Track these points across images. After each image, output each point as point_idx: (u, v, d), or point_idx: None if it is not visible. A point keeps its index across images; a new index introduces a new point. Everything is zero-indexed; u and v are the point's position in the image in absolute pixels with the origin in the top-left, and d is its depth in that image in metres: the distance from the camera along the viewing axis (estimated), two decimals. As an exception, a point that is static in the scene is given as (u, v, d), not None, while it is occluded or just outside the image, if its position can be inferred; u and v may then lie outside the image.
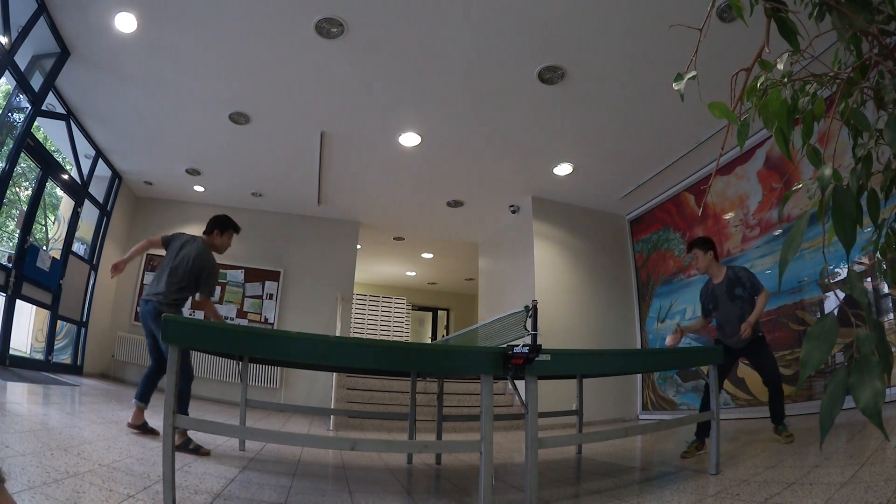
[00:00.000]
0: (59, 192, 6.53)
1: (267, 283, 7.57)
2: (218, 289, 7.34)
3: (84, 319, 6.35)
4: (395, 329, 11.86)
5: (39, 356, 5.69)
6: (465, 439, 2.77)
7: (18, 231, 5.01)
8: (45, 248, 6.04)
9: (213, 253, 3.56)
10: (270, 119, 5.34)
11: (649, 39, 3.89)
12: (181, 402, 3.14)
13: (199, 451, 2.99)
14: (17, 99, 4.40)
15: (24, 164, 6.01)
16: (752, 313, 3.35)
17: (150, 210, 7.53)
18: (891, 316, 3.70)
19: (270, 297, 7.53)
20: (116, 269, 3.43)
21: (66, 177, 5.75)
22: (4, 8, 3.78)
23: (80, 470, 2.06)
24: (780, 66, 1.11)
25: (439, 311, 14.53)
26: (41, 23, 3.96)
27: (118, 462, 2.35)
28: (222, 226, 3.61)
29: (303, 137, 5.64)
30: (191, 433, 3.06)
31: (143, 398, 3.28)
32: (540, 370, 2.12)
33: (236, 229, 3.68)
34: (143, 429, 3.20)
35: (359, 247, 8.49)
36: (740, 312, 3.43)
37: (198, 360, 6.65)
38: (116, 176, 6.81)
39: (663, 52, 3.97)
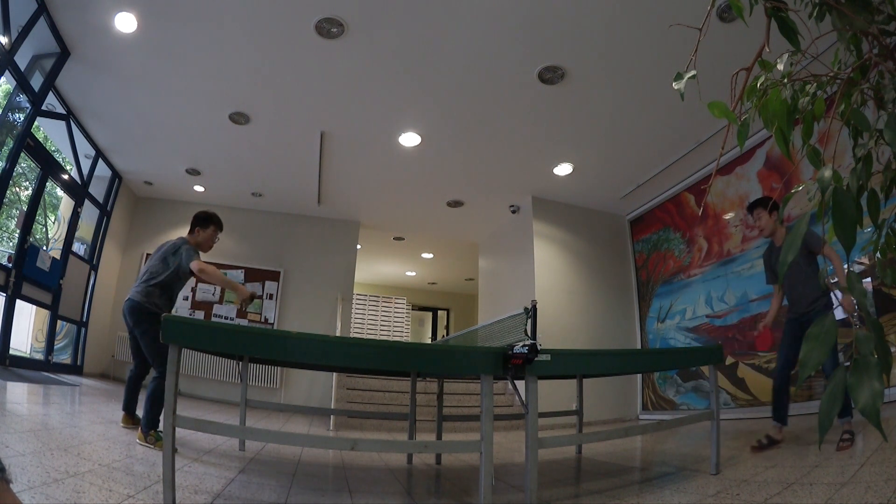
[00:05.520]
0: (59, 192, 6.53)
1: (267, 283, 7.57)
2: (217, 288, 7.36)
3: (84, 319, 6.35)
4: (395, 329, 11.86)
5: (39, 356, 5.69)
6: (465, 439, 2.77)
7: (18, 231, 5.01)
8: (45, 248, 6.04)
9: (199, 251, 3.39)
10: (270, 119, 5.34)
11: (649, 39, 3.89)
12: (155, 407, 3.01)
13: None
14: (18, 99, 4.40)
15: (24, 164, 6.01)
16: (839, 276, 3.04)
17: (150, 210, 7.53)
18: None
19: (270, 297, 7.53)
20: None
21: (66, 177, 5.75)
22: (4, 8, 3.78)
23: (80, 470, 2.06)
24: (780, 67, 1.11)
25: (439, 311, 14.53)
26: (41, 23, 3.96)
27: (118, 462, 2.36)
28: (203, 222, 3.43)
29: (303, 137, 5.64)
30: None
31: (128, 408, 3.26)
32: (540, 370, 2.12)
33: (218, 224, 3.47)
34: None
35: (359, 247, 8.49)
36: (808, 271, 3.12)
37: (198, 359, 6.66)
38: (116, 176, 6.81)
39: (663, 52, 3.97)
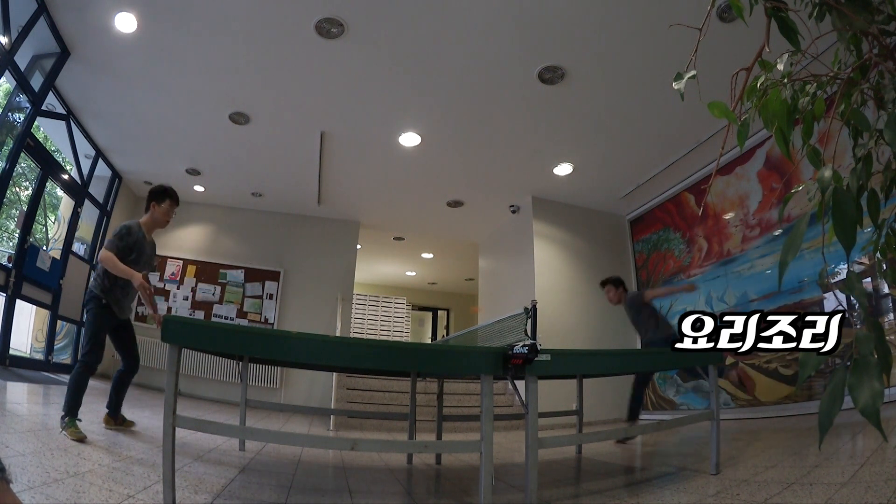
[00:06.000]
0: (59, 192, 6.53)
1: (267, 283, 7.57)
2: (217, 288, 7.36)
3: (84, 319, 6.34)
4: (395, 329, 11.86)
5: (39, 356, 5.69)
6: (465, 439, 2.77)
7: (18, 231, 5.01)
8: (45, 248, 6.04)
9: (157, 228, 3.37)
10: (270, 119, 5.34)
11: (649, 39, 3.89)
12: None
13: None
14: (18, 99, 4.40)
15: (24, 164, 6.00)
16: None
17: (150, 210, 7.51)
18: (891, 316, 3.70)
19: (270, 297, 7.53)
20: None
21: (66, 177, 5.75)
22: (4, 8, 3.78)
23: (81, 470, 2.06)
24: (781, 67, 1.11)
25: (439, 311, 14.52)
26: (41, 23, 3.96)
27: (118, 462, 2.36)
28: (158, 196, 3.29)
29: (303, 137, 5.64)
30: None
31: (111, 406, 3.25)
32: (540, 370, 2.12)
33: (174, 197, 3.34)
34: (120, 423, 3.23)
35: (359, 247, 8.49)
36: (639, 318, 4.73)
37: (198, 360, 6.66)
38: (116, 176, 6.81)
39: (663, 52, 3.97)
